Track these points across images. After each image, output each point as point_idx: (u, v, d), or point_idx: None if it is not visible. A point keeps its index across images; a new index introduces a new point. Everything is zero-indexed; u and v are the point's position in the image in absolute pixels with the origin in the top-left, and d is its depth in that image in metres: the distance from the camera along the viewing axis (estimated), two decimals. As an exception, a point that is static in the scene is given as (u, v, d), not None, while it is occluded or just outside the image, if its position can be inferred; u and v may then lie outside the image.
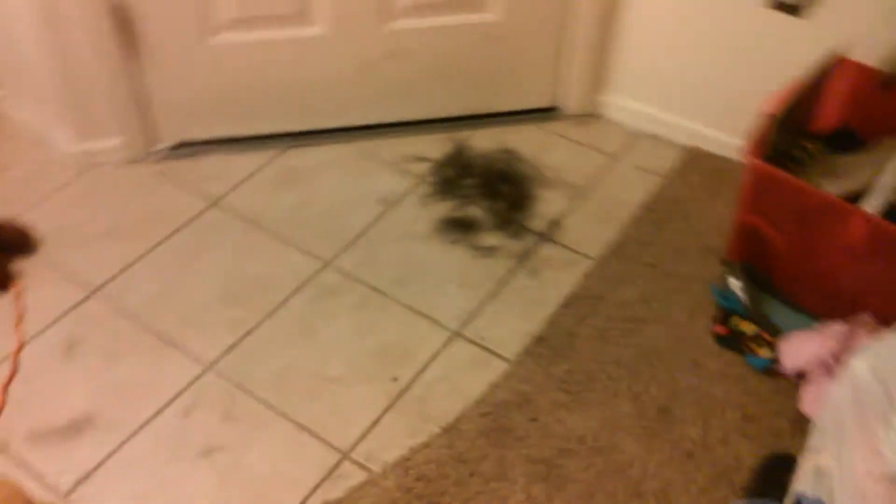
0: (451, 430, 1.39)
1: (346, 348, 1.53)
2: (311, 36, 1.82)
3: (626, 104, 2.02)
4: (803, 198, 1.42)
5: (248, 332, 1.56)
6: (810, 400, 1.36)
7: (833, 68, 1.55)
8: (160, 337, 1.54)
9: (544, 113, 2.06)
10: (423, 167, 1.91)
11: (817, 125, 1.64)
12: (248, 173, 1.90)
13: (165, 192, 1.85)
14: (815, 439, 1.21)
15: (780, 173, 1.44)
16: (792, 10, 1.63)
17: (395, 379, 1.48)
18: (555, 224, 1.77)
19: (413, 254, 1.72)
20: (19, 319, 1.56)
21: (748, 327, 1.49)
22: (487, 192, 1.83)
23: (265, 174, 1.90)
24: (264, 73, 1.87)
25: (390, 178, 1.89)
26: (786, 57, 1.55)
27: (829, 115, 1.62)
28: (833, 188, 1.47)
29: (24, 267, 1.67)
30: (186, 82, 1.85)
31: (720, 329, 1.51)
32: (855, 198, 1.43)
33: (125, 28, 1.73)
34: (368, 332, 1.56)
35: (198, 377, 1.48)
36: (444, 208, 1.81)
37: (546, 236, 1.75)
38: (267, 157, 1.94)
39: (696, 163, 1.90)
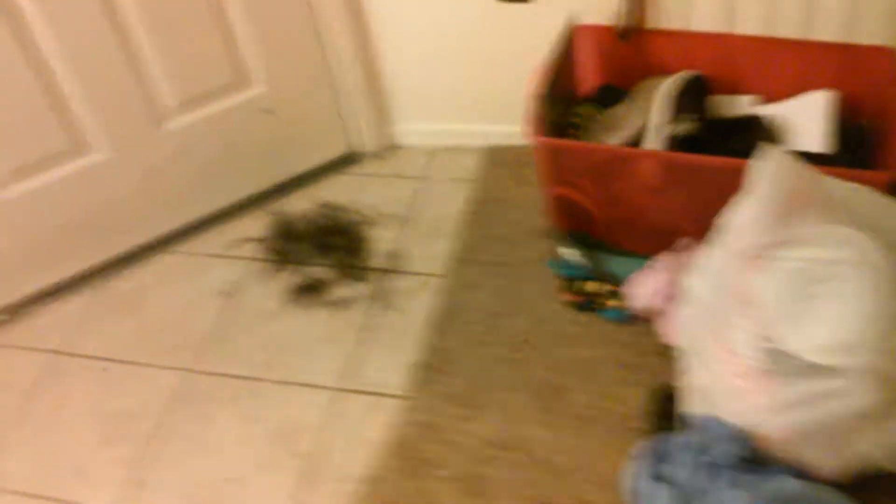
0: (368, 480, 1.42)
1: (238, 445, 1.53)
2: (94, 163, 1.79)
3: (416, 127, 2.12)
4: (593, 156, 1.56)
5: (139, 465, 1.52)
6: (666, 329, 1.49)
7: (575, 37, 1.72)
8: (54, 501, 1.48)
9: (346, 160, 2.13)
10: (250, 247, 1.93)
11: (583, 91, 1.80)
12: (81, 314, 1.85)
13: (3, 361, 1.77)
14: (682, 362, 1.34)
15: (565, 141, 1.60)
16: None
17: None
18: (393, 256, 1.84)
19: (271, 331, 1.72)
20: None
21: (593, 286, 1.62)
22: (321, 250, 1.87)
23: (98, 308, 1.85)
24: (58, 215, 1.82)
25: (222, 269, 1.89)
26: (530, 40, 1.67)
27: (588, 78, 1.79)
28: (615, 140, 1.62)
29: None
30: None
31: (569, 297, 1.63)
32: (636, 143, 1.59)
33: None
34: (253, 421, 1.56)
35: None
36: (285, 279, 1.83)
37: (390, 270, 1.81)
38: (93, 292, 1.89)
39: (498, 159, 2.02)
